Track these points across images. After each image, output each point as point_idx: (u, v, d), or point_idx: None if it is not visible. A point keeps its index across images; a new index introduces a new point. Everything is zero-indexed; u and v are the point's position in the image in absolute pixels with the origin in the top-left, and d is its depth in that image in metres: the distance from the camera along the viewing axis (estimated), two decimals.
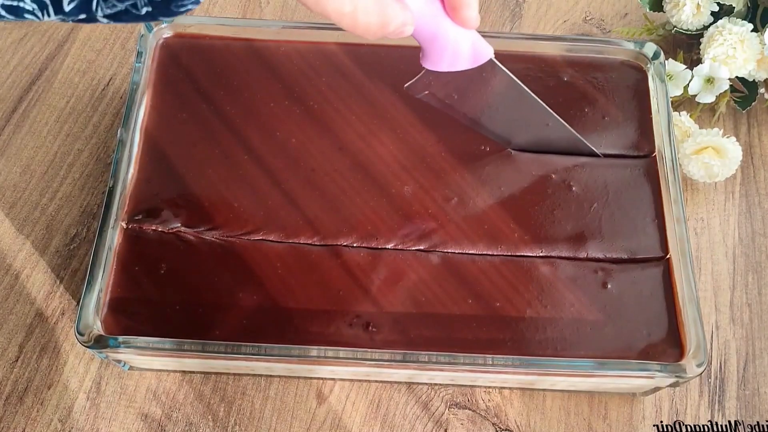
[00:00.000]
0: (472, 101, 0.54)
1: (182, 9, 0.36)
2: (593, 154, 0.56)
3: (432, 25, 0.45)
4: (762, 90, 0.66)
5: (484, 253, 0.52)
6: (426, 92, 0.51)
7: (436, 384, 0.54)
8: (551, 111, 0.53)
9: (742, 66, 0.63)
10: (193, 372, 0.54)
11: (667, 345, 0.49)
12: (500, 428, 0.53)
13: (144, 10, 0.35)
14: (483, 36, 0.60)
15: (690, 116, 0.64)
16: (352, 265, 0.51)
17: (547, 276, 0.52)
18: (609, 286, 0.51)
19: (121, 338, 0.47)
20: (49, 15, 0.35)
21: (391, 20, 0.41)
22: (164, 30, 0.59)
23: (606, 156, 0.56)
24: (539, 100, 0.53)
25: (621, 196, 0.55)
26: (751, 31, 0.63)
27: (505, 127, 0.56)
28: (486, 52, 0.48)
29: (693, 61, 0.68)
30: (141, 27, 0.58)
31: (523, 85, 0.52)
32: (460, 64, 0.48)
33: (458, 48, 0.47)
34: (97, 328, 0.48)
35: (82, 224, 0.60)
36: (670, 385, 0.50)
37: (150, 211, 0.53)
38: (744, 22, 0.63)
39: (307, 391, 0.54)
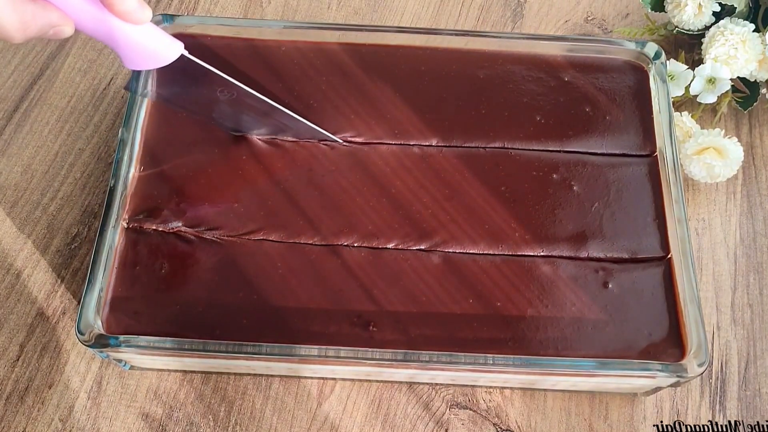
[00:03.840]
0: (194, 98, 0.52)
1: None
2: (332, 140, 0.56)
3: (96, 24, 0.43)
4: (763, 90, 0.66)
5: (485, 252, 0.52)
6: (147, 91, 0.50)
7: (437, 384, 0.54)
8: (270, 101, 0.52)
9: (744, 66, 0.63)
10: (193, 372, 0.54)
11: (668, 345, 0.49)
12: (501, 428, 0.53)
13: None
14: (484, 36, 0.60)
15: (691, 116, 0.64)
16: (352, 264, 0.51)
17: (548, 275, 0.52)
18: (610, 285, 0.51)
19: (121, 337, 0.47)
20: None
21: (32, 22, 0.39)
22: (166, 30, 0.59)
23: (607, 156, 0.56)
24: (254, 92, 0.51)
25: (622, 195, 0.55)
26: (753, 31, 0.63)
27: (237, 120, 0.55)
28: (174, 47, 0.46)
29: (694, 61, 0.68)
30: None
31: (232, 79, 0.50)
32: (151, 62, 0.46)
33: (139, 46, 0.44)
34: (98, 327, 0.48)
35: (83, 224, 0.60)
36: (672, 385, 0.50)
37: (151, 210, 0.53)
38: (745, 22, 0.63)
39: (307, 391, 0.54)
